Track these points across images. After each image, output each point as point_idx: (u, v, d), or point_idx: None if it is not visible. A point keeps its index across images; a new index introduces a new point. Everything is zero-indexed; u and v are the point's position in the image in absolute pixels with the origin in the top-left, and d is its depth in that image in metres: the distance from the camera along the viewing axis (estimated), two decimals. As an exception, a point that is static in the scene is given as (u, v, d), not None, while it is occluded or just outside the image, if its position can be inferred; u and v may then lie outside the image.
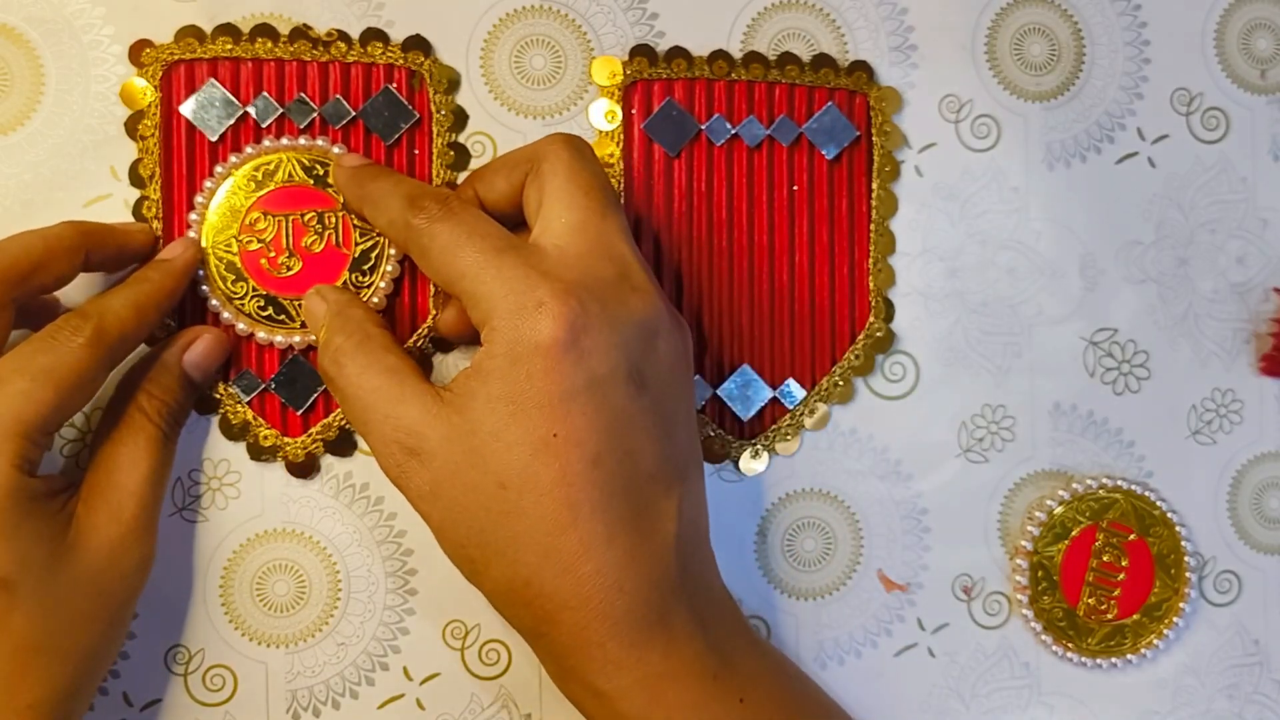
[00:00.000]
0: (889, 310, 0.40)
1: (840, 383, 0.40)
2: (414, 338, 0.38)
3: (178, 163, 0.37)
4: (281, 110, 0.37)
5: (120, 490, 0.33)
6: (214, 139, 0.37)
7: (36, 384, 0.31)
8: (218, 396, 0.37)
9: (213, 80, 0.37)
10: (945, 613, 0.40)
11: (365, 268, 0.37)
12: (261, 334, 0.36)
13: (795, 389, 0.39)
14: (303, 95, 0.37)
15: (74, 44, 0.37)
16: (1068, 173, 0.41)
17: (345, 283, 0.37)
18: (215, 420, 0.37)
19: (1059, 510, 0.40)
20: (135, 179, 0.37)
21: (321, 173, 0.37)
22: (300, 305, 0.37)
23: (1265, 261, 0.42)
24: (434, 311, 0.38)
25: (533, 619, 0.32)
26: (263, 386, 0.37)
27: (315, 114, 0.37)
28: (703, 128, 0.39)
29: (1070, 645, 0.40)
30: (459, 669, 0.38)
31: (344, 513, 0.38)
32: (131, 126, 0.37)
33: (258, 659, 0.37)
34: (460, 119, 0.38)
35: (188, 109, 0.37)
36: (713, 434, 0.39)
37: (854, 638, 0.40)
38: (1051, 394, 0.41)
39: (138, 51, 0.37)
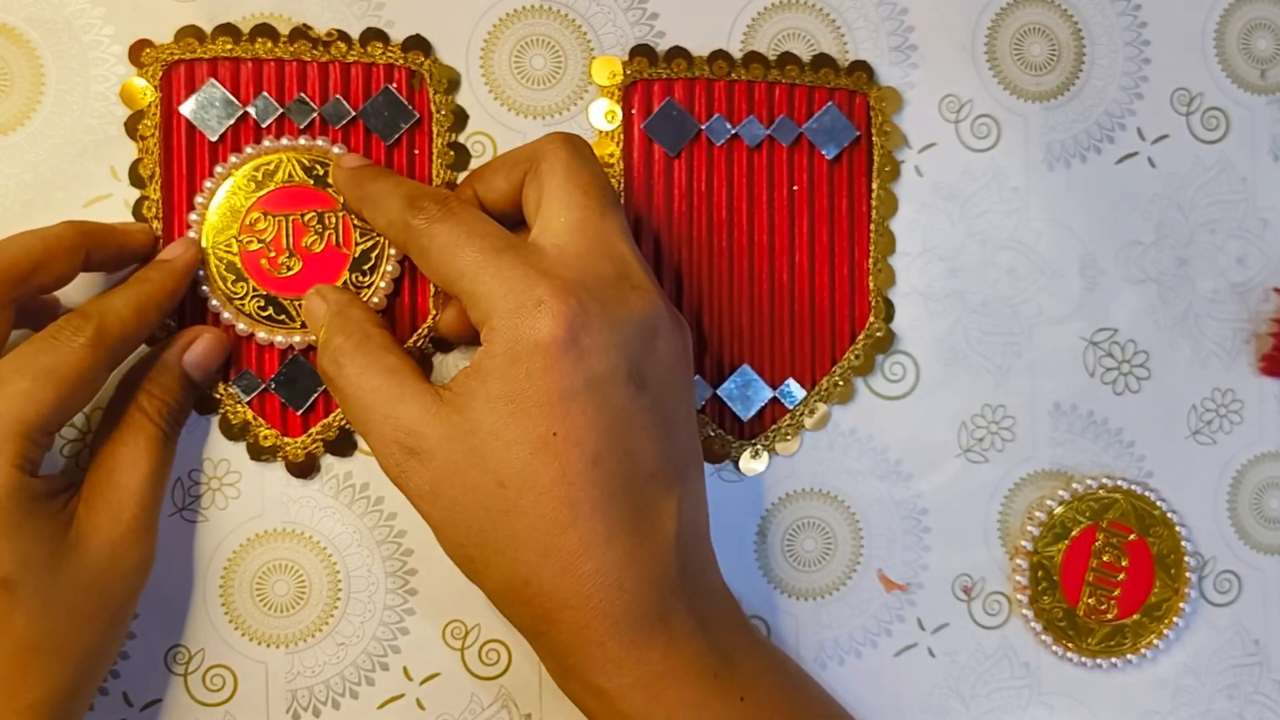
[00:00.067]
0: (889, 310, 0.40)
1: (840, 383, 0.40)
2: (414, 338, 0.38)
3: (178, 163, 0.37)
4: (281, 110, 0.37)
5: (121, 490, 0.33)
6: (214, 139, 0.37)
7: (38, 384, 0.31)
8: (218, 396, 0.37)
9: (213, 80, 0.37)
10: (945, 613, 0.40)
11: (365, 268, 0.37)
12: (261, 334, 0.36)
13: (795, 389, 0.39)
14: (303, 95, 0.37)
15: (74, 44, 0.37)
16: (1068, 173, 0.41)
17: (345, 283, 0.37)
18: (215, 420, 0.37)
19: (1059, 510, 0.40)
20: (135, 179, 0.37)
21: (321, 173, 0.37)
22: (300, 305, 0.37)
23: (1265, 261, 0.42)
24: (434, 311, 0.38)
25: (533, 618, 0.32)
26: (263, 386, 0.37)
27: (315, 114, 0.37)
28: (703, 128, 0.39)
29: (1070, 645, 0.40)
30: (459, 669, 0.38)
31: (344, 513, 0.38)
32: (131, 126, 0.37)
33: (258, 659, 0.37)
34: (460, 119, 0.38)
35: (188, 109, 0.37)
36: (713, 434, 0.39)
37: (854, 638, 0.40)
38: (1051, 394, 0.41)
39: (138, 51, 0.37)
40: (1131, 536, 0.41)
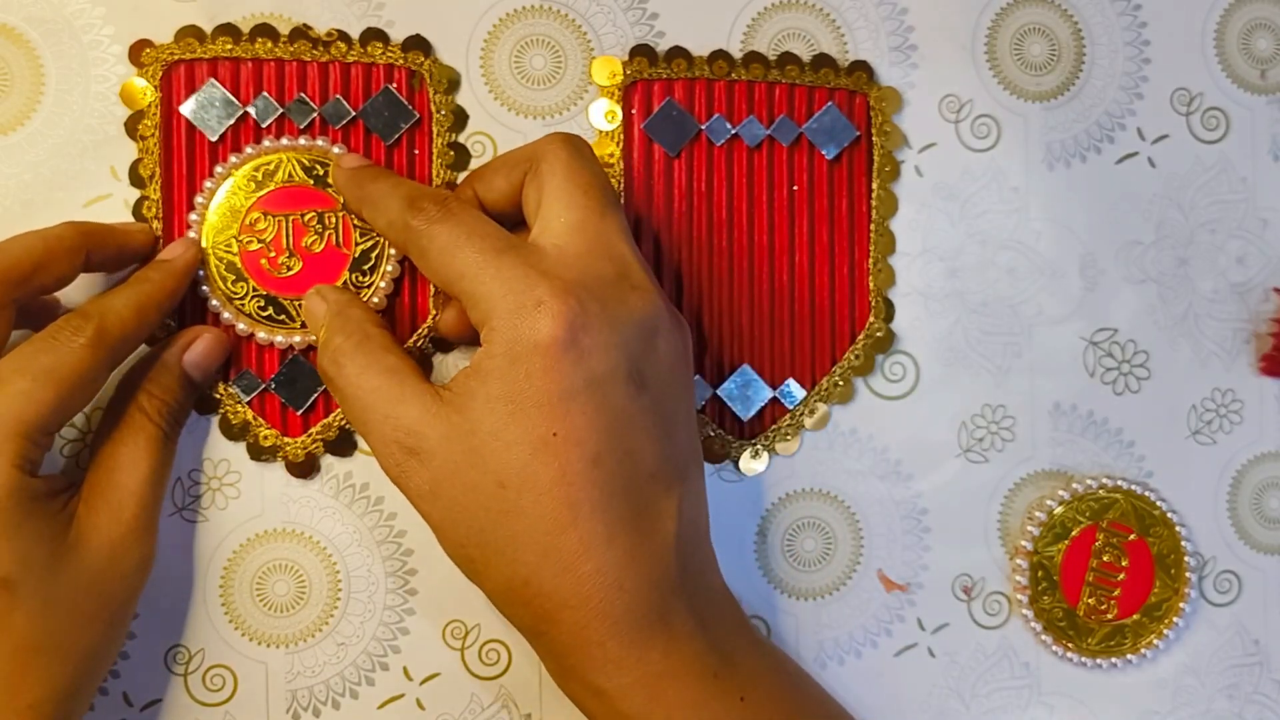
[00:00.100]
0: (889, 310, 0.40)
1: (840, 383, 0.40)
2: (414, 338, 0.38)
3: (178, 163, 0.37)
4: (281, 110, 0.37)
5: (121, 490, 0.33)
6: (214, 139, 0.37)
7: (37, 384, 0.31)
8: (218, 396, 0.37)
9: (213, 80, 0.37)
10: (945, 613, 0.40)
11: (365, 268, 0.37)
12: (261, 334, 0.36)
13: (795, 389, 0.39)
14: (303, 95, 0.37)
15: (74, 44, 0.37)
16: (1068, 173, 0.41)
17: (345, 283, 0.37)
18: (215, 420, 0.37)
19: (1059, 510, 0.40)
20: (135, 179, 0.37)
21: (321, 173, 0.37)
22: (300, 305, 0.37)
23: (1265, 261, 0.42)
24: (434, 311, 0.38)
25: (533, 618, 0.32)
26: (263, 386, 0.37)
27: (315, 114, 0.37)
28: (703, 128, 0.39)
29: (1070, 645, 0.40)
30: (459, 669, 0.38)
31: (344, 513, 0.38)
32: (131, 126, 0.37)
33: (258, 659, 0.37)
34: (460, 119, 0.38)
35: (188, 109, 0.37)
36: (713, 434, 0.39)
37: (854, 638, 0.40)
38: (1051, 394, 0.41)
39: (138, 51, 0.37)
40: (1131, 536, 0.41)
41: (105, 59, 0.37)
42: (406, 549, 0.38)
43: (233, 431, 0.37)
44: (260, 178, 0.37)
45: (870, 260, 0.40)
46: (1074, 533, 0.40)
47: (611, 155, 0.38)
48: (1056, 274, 0.41)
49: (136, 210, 0.37)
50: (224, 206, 0.36)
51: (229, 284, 0.36)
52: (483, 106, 0.38)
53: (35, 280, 0.33)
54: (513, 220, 0.35)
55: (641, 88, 0.39)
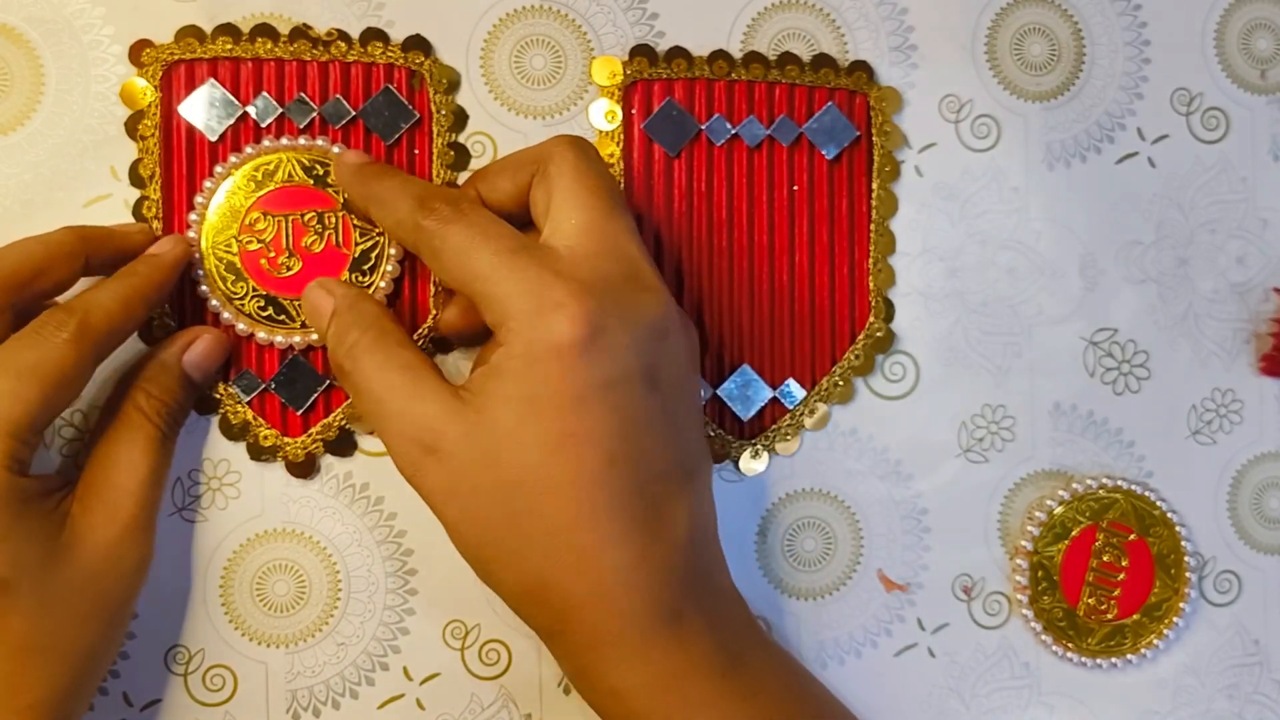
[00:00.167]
0: (889, 310, 0.40)
1: (840, 383, 0.40)
2: (414, 338, 0.38)
3: (178, 163, 0.37)
4: (281, 110, 0.37)
5: (118, 490, 0.33)
6: (214, 139, 0.37)
7: (21, 382, 0.31)
8: (218, 396, 0.37)
9: (213, 80, 0.37)
10: (945, 613, 0.40)
11: (365, 268, 0.37)
12: (261, 334, 0.36)
13: (795, 389, 0.39)
14: (303, 95, 0.37)
15: (74, 44, 0.37)
16: (1068, 173, 0.41)
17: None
18: (215, 420, 0.37)
19: (1059, 510, 0.40)
20: (135, 179, 0.37)
21: (321, 173, 0.37)
22: (300, 305, 0.37)
23: (1265, 261, 0.42)
24: (434, 311, 0.38)
25: (549, 618, 0.32)
26: (263, 386, 0.37)
27: (315, 114, 0.37)
28: (703, 128, 0.39)
29: (1070, 645, 0.40)
30: (459, 669, 0.38)
31: (344, 513, 0.38)
32: (131, 126, 0.37)
33: (258, 659, 0.37)
34: (460, 119, 0.38)
35: (188, 109, 0.37)
36: (713, 434, 0.39)
37: (854, 638, 0.40)
38: (1051, 394, 0.41)
39: (138, 51, 0.37)
40: (1131, 536, 0.41)
41: (105, 59, 0.37)
42: (406, 549, 0.38)
43: (233, 431, 0.37)
44: (260, 178, 0.37)
45: (870, 260, 0.40)
46: (1074, 533, 0.40)
47: (611, 155, 0.38)
48: (1056, 274, 0.41)
49: (136, 210, 0.37)
50: (224, 206, 0.36)
51: (229, 284, 0.36)
52: (483, 106, 0.38)
53: (34, 286, 0.33)
54: (515, 223, 0.34)
55: (641, 88, 0.39)
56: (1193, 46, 0.42)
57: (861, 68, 0.40)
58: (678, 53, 0.39)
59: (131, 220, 0.37)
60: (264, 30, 0.37)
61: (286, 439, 0.37)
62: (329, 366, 0.37)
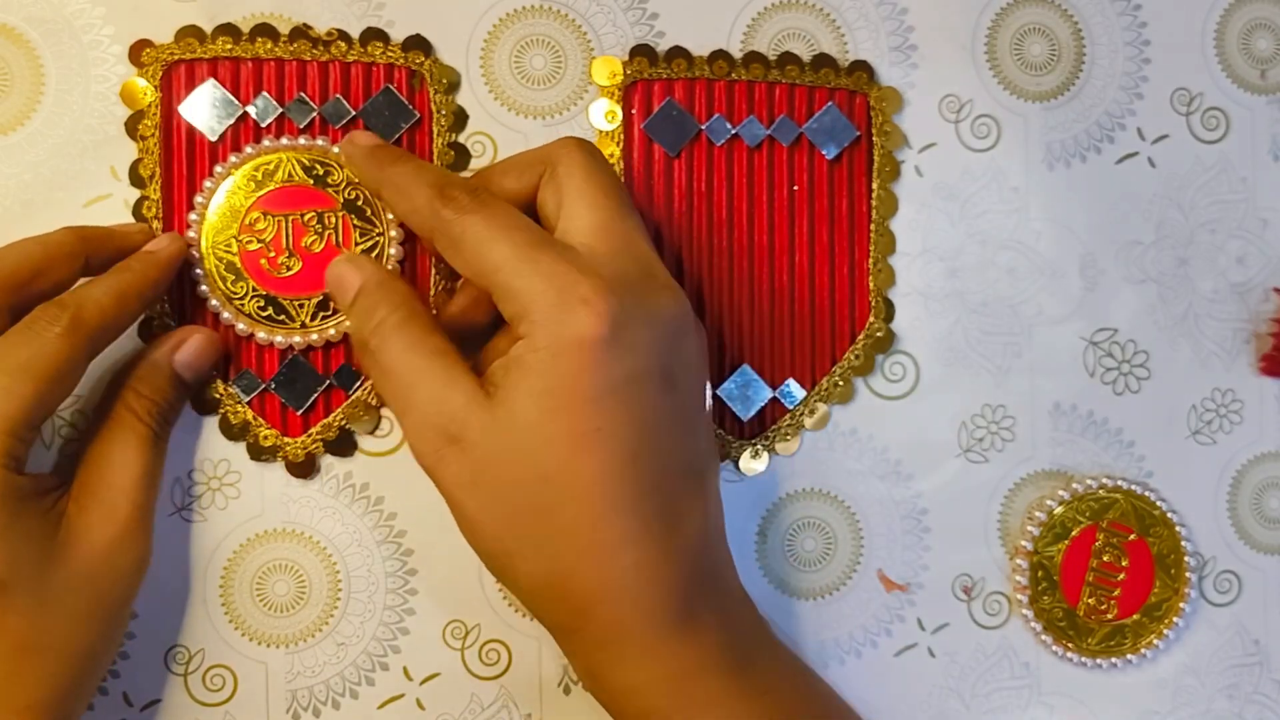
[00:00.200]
0: (889, 310, 0.40)
1: (840, 383, 0.40)
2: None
3: (178, 163, 0.37)
4: (281, 110, 0.37)
5: (113, 490, 0.33)
6: (214, 139, 0.37)
7: (15, 379, 0.31)
8: (218, 396, 0.37)
9: (213, 80, 0.37)
10: (945, 613, 0.40)
11: (365, 268, 0.37)
12: (261, 334, 0.36)
13: (795, 389, 0.39)
14: (303, 95, 0.37)
15: (74, 44, 0.37)
16: (1068, 173, 0.41)
17: (345, 283, 0.37)
18: (215, 420, 0.37)
19: (1059, 510, 0.40)
20: (135, 179, 0.37)
21: (321, 173, 0.37)
22: (300, 305, 0.37)
23: (1265, 261, 0.42)
24: (433, 310, 0.38)
25: (567, 614, 0.32)
26: (263, 386, 0.37)
27: (315, 114, 0.37)
28: (703, 128, 0.39)
29: (1070, 645, 0.40)
30: (459, 669, 0.38)
31: (344, 513, 0.38)
32: (131, 126, 0.37)
33: (258, 659, 0.37)
34: (460, 119, 0.38)
35: (188, 109, 0.37)
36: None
37: (854, 638, 0.40)
38: (1051, 394, 0.41)
39: (138, 51, 0.37)
40: (1131, 536, 0.41)
41: (105, 59, 0.37)
42: (406, 549, 0.38)
43: (233, 431, 0.37)
44: (260, 178, 0.37)
45: (870, 260, 0.40)
46: (1074, 533, 0.40)
47: (612, 155, 0.38)
48: (1056, 274, 0.41)
49: (136, 210, 0.37)
50: (224, 206, 0.36)
51: (229, 284, 0.36)
52: (483, 106, 0.38)
53: (34, 286, 0.32)
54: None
55: (641, 88, 0.39)
56: (1193, 46, 0.42)
57: (861, 68, 0.40)
58: (678, 53, 0.39)
59: (131, 220, 0.37)
60: (264, 30, 0.37)
61: (286, 439, 0.37)
62: (329, 367, 0.37)
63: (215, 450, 0.37)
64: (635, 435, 0.31)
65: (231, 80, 0.37)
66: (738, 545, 0.39)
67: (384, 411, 0.38)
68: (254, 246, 0.36)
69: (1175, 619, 0.41)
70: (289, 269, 0.37)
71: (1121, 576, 0.41)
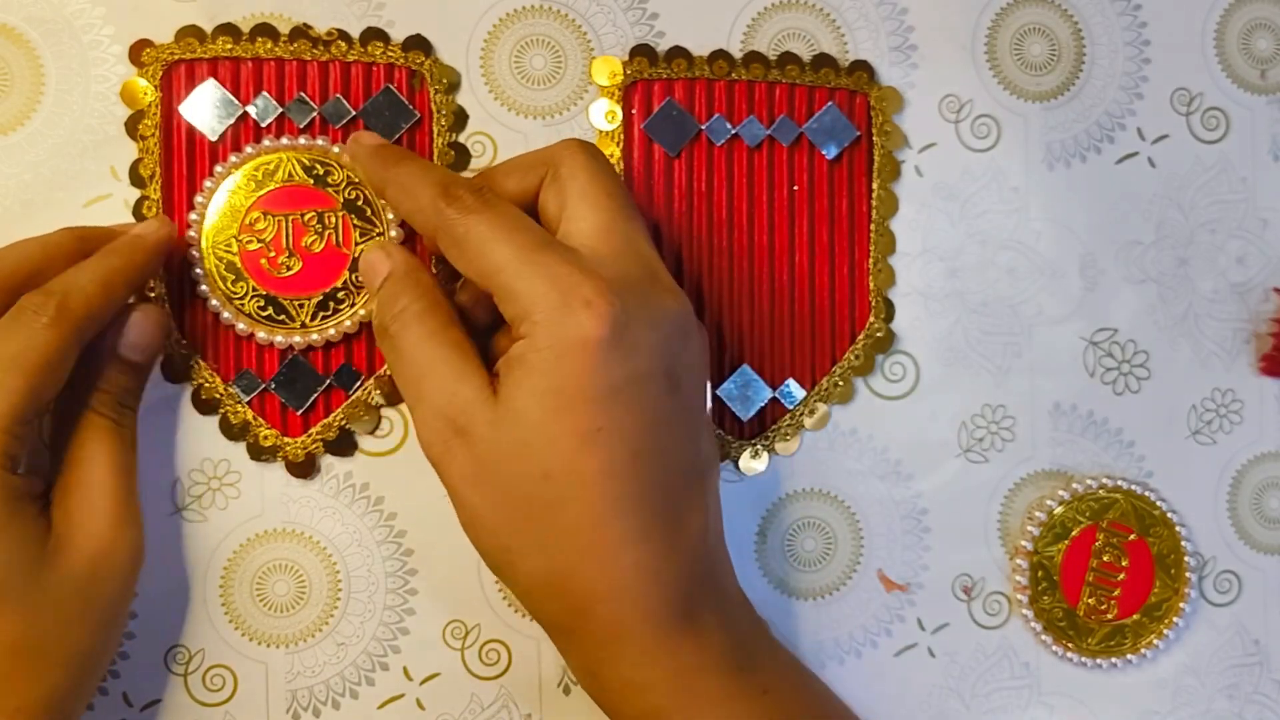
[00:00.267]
0: (889, 310, 0.40)
1: (840, 383, 0.40)
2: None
3: (178, 162, 0.37)
4: (281, 110, 0.37)
5: (90, 487, 0.33)
6: (214, 139, 0.37)
7: (5, 373, 0.30)
8: (218, 396, 0.37)
9: (213, 80, 0.37)
10: (945, 613, 0.40)
11: (365, 268, 0.37)
12: (261, 334, 0.36)
13: (795, 389, 0.39)
14: (303, 95, 0.37)
15: (74, 44, 0.37)
16: (1068, 173, 0.41)
17: (345, 283, 0.37)
18: (215, 420, 0.37)
19: (1059, 510, 0.40)
20: (135, 179, 0.37)
21: (321, 172, 0.37)
22: (300, 305, 0.37)
23: (1265, 261, 0.42)
24: (434, 311, 0.38)
25: (567, 612, 0.32)
26: (263, 386, 0.37)
27: (315, 113, 0.37)
28: (703, 128, 0.39)
29: (1070, 645, 0.40)
30: (459, 669, 0.38)
31: (344, 513, 0.38)
32: (131, 126, 0.37)
33: (258, 659, 0.37)
34: (460, 119, 0.38)
35: (188, 109, 0.37)
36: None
37: (854, 638, 0.40)
38: (1051, 394, 0.41)
39: (138, 51, 0.37)
40: (1131, 536, 0.41)
41: (105, 59, 0.37)
42: (406, 549, 0.38)
43: (233, 431, 0.37)
44: (260, 177, 0.37)
45: (870, 260, 0.40)
46: (1074, 533, 0.40)
47: (612, 155, 0.38)
48: (1056, 274, 0.41)
49: (136, 210, 0.37)
50: (224, 206, 0.36)
51: (229, 284, 0.36)
52: (483, 106, 0.38)
53: (32, 287, 0.32)
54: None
55: (641, 88, 0.39)
56: (1193, 46, 0.42)
57: (862, 68, 0.40)
58: (678, 53, 0.39)
59: (131, 220, 0.37)
60: (264, 30, 0.37)
61: (286, 439, 0.37)
62: (329, 367, 0.37)
63: (215, 450, 0.37)
64: (637, 436, 0.31)
65: (232, 80, 0.37)
66: (738, 545, 0.39)
67: (384, 412, 0.38)
68: (254, 246, 0.36)
69: (1175, 619, 0.41)
70: (289, 269, 0.37)
71: (1121, 576, 0.41)
